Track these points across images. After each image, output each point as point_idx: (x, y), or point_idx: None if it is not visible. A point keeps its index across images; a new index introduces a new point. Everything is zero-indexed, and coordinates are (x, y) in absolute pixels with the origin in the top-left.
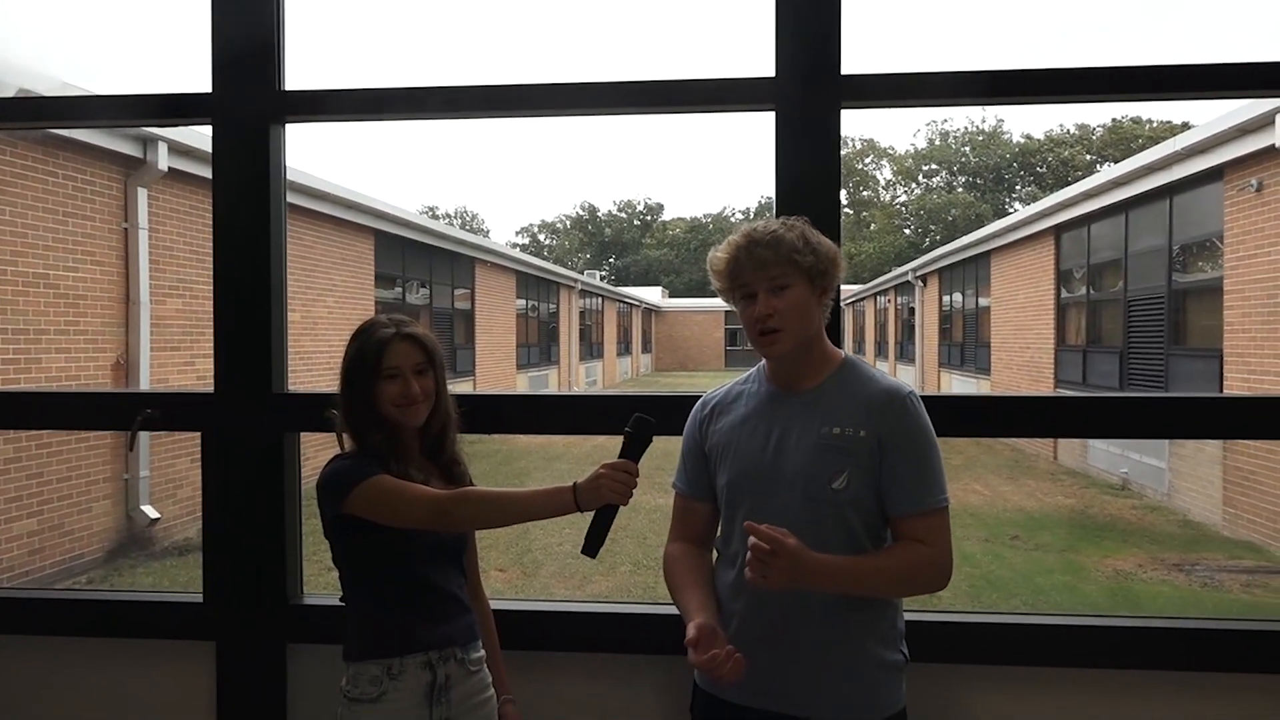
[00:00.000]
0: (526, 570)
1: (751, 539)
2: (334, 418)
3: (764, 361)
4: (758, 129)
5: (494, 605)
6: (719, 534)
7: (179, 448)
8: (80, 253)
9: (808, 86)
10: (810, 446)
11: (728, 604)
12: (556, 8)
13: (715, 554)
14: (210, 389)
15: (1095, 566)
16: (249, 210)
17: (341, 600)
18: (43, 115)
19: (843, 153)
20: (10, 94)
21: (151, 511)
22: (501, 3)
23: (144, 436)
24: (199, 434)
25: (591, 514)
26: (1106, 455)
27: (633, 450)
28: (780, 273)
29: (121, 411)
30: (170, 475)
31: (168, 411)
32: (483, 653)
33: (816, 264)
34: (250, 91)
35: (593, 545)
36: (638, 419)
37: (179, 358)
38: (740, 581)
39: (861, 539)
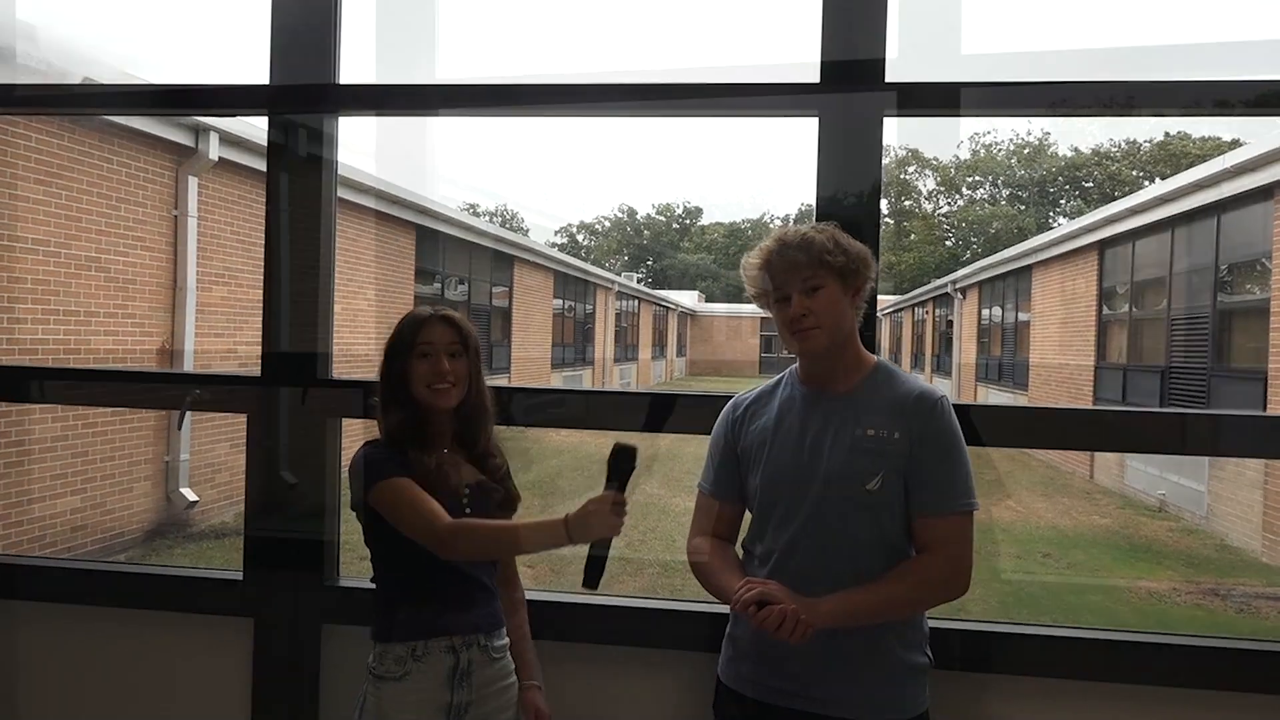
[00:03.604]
0: (555, 568)
1: (759, 620)
2: (376, 406)
3: (796, 364)
4: (799, 135)
5: (526, 596)
6: (749, 534)
7: (219, 433)
8: (131, 238)
9: (852, 94)
10: (845, 448)
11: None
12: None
13: (742, 552)
14: (256, 374)
15: (1128, 587)
16: (301, 200)
17: (372, 581)
18: (105, 104)
19: (885, 161)
20: (76, 82)
21: (190, 494)
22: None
23: (186, 420)
24: (243, 417)
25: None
26: (1144, 476)
27: (616, 480)
28: (812, 273)
29: (171, 392)
30: (209, 460)
31: (216, 394)
32: (507, 640)
33: (848, 264)
34: (306, 85)
35: (591, 578)
36: (618, 447)
37: (222, 344)
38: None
39: (897, 541)
